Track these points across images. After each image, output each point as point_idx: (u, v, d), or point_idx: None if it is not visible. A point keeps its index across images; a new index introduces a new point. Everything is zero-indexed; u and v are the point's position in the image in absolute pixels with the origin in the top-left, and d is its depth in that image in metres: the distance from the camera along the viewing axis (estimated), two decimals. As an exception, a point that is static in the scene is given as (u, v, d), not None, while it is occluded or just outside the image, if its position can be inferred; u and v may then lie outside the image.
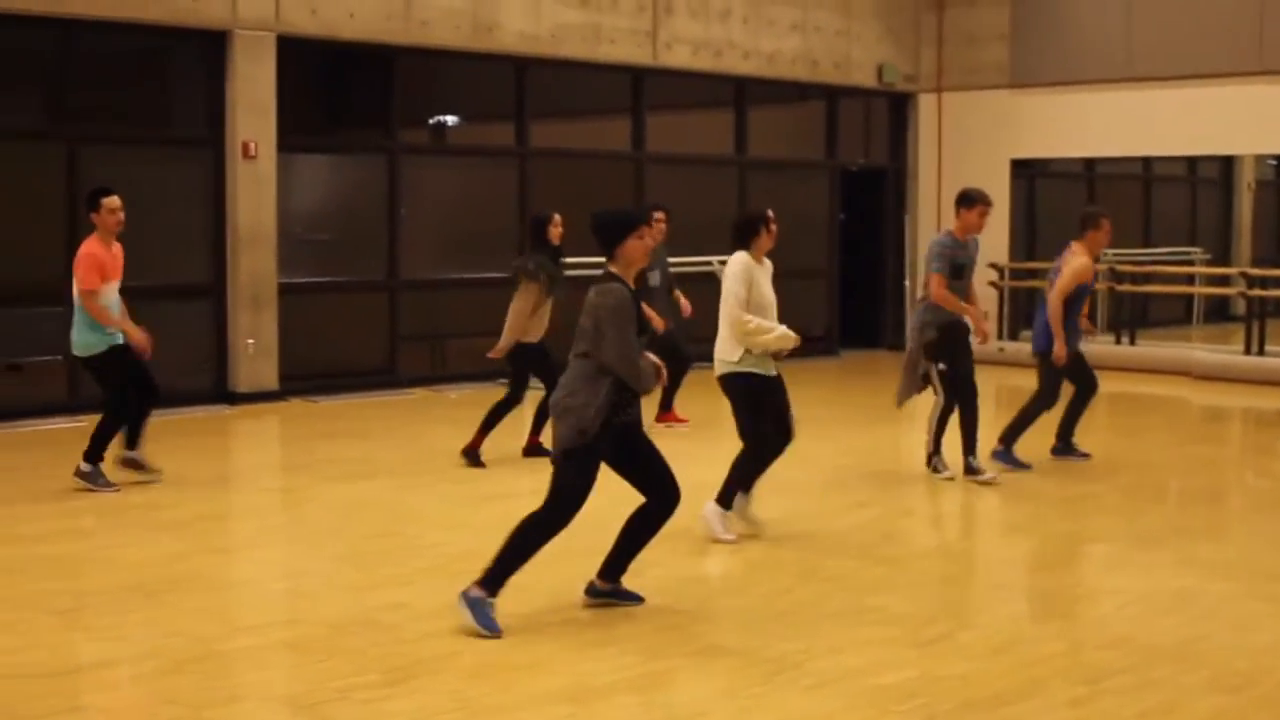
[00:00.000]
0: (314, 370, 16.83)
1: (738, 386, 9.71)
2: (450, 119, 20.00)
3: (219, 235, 16.12)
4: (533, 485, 11.45)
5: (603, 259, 7.84)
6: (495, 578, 7.69)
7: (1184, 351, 19.78)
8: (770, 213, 9.91)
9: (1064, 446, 12.96)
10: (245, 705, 6.60)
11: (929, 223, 22.08)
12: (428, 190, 18.03)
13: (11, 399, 14.50)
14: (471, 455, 12.33)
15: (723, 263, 14.78)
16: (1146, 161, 25.56)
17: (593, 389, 7.63)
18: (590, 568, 8.26)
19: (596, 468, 7.73)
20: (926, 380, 12.02)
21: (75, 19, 14.85)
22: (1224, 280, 24.41)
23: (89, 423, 14.43)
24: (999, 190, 20.75)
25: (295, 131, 16.66)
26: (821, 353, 21.78)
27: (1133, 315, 21.11)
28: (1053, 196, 23.69)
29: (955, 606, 8.41)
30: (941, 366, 11.84)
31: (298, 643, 7.53)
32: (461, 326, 17.88)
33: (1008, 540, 10.42)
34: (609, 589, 8.17)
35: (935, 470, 12.02)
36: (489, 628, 7.53)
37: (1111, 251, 22.64)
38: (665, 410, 14.40)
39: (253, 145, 15.95)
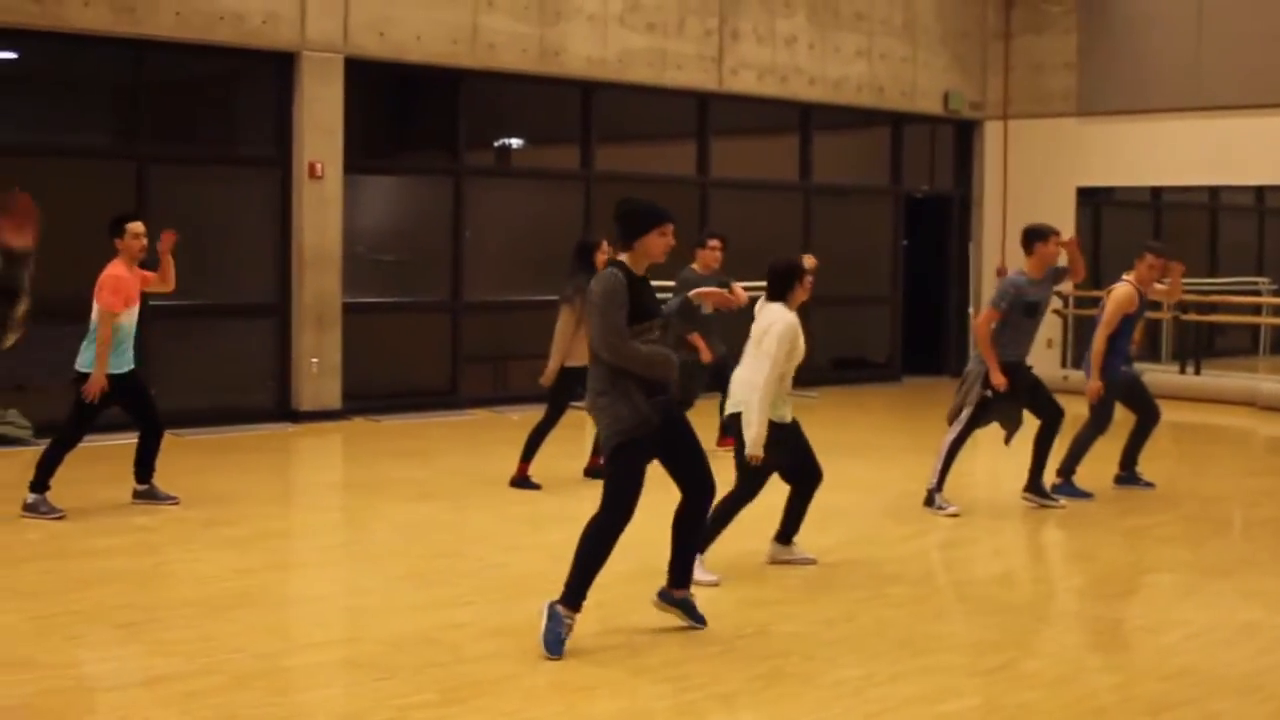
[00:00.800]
0: (377, 390, 16.91)
1: (772, 433, 9.45)
2: (515, 142, 20.08)
3: (284, 255, 16.23)
4: (595, 507, 11.48)
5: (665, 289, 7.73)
6: (574, 591, 7.68)
7: (1250, 382, 19.63)
8: (809, 261, 9.73)
9: (1128, 475, 12.94)
10: (306, 722, 6.63)
11: (993, 250, 22.02)
12: (492, 212, 18.09)
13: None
14: (521, 482, 12.30)
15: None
16: (1214, 190, 25.39)
17: (619, 385, 7.55)
18: (648, 588, 8.25)
19: (643, 463, 7.65)
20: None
21: (146, 40, 15.01)
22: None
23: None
24: (1064, 218, 20.68)
25: (361, 153, 16.77)
26: (884, 379, 21.74)
27: (1198, 345, 20.97)
28: (1119, 225, 23.56)
29: (1017, 635, 8.36)
30: (988, 393, 11.64)
31: (358, 661, 7.56)
32: (523, 348, 17.90)
33: (1070, 569, 10.36)
34: (679, 599, 8.11)
35: (930, 504, 11.79)
36: (552, 648, 7.50)
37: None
38: (725, 435, 14.30)
39: (319, 166, 16.06)
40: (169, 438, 14.14)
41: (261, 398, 16.32)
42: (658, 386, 7.64)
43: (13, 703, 6.81)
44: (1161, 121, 20.55)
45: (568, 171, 18.87)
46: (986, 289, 21.94)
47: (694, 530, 8.07)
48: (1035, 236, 11.86)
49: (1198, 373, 20.24)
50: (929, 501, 11.78)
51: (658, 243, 7.72)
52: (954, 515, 11.63)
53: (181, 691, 6.91)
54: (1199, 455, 15.07)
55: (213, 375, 16.16)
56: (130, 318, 11.29)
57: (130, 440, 11.60)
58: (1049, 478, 12.20)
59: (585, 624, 7.99)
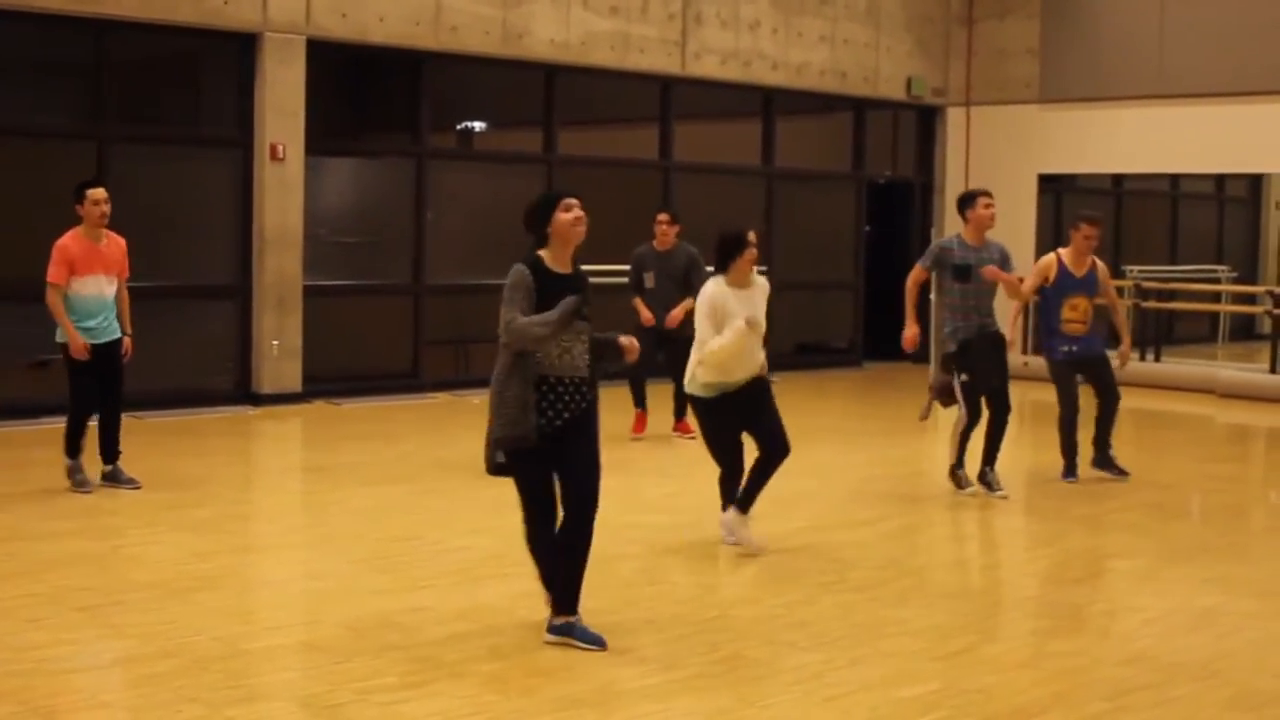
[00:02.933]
0: (338, 373, 16.86)
1: (694, 408, 9.72)
2: (478, 124, 20.05)
3: (245, 236, 16.17)
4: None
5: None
6: (558, 599, 7.57)
7: (1209, 369, 19.75)
8: (751, 234, 9.51)
9: (1101, 459, 12.78)
10: (266, 705, 6.61)
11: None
12: (454, 195, 18.05)
13: (40, 396, 14.51)
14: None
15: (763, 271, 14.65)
16: (1174, 178, 25.51)
17: (512, 383, 7.37)
18: (609, 575, 8.25)
19: (537, 463, 7.47)
20: (951, 393, 11.82)
21: (107, 19, 14.92)
22: (1250, 298, 24.36)
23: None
24: (1026, 205, 20.77)
25: (323, 134, 16.71)
26: (846, 364, 21.78)
27: (1158, 332, 21.05)
28: (1079, 212, 23.61)
29: (978, 620, 8.39)
30: (964, 378, 11.67)
31: (318, 643, 7.54)
32: (486, 332, 17.69)
33: (1031, 555, 10.40)
34: (560, 625, 7.55)
35: (958, 485, 11.97)
36: (592, 642, 7.41)
37: (1137, 268, 22.67)
38: (679, 419, 14.37)
39: (281, 148, 15.99)
40: (129, 420, 14.07)
41: (222, 380, 16.26)
42: (560, 392, 7.42)
43: (-30, 685, 6.79)
44: (1123, 109, 20.61)
45: (530, 155, 18.83)
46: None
47: (579, 550, 7.52)
48: (964, 202, 11.83)
49: (1157, 359, 20.33)
50: (955, 479, 11.86)
51: (564, 219, 7.53)
52: (972, 494, 11.74)
53: (141, 674, 6.89)
54: (1158, 442, 15.15)
55: (173, 357, 16.05)
56: (90, 288, 11.22)
57: (91, 423, 11.53)
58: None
59: (542, 610, 7.96)
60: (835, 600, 8.56)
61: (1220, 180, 26.84)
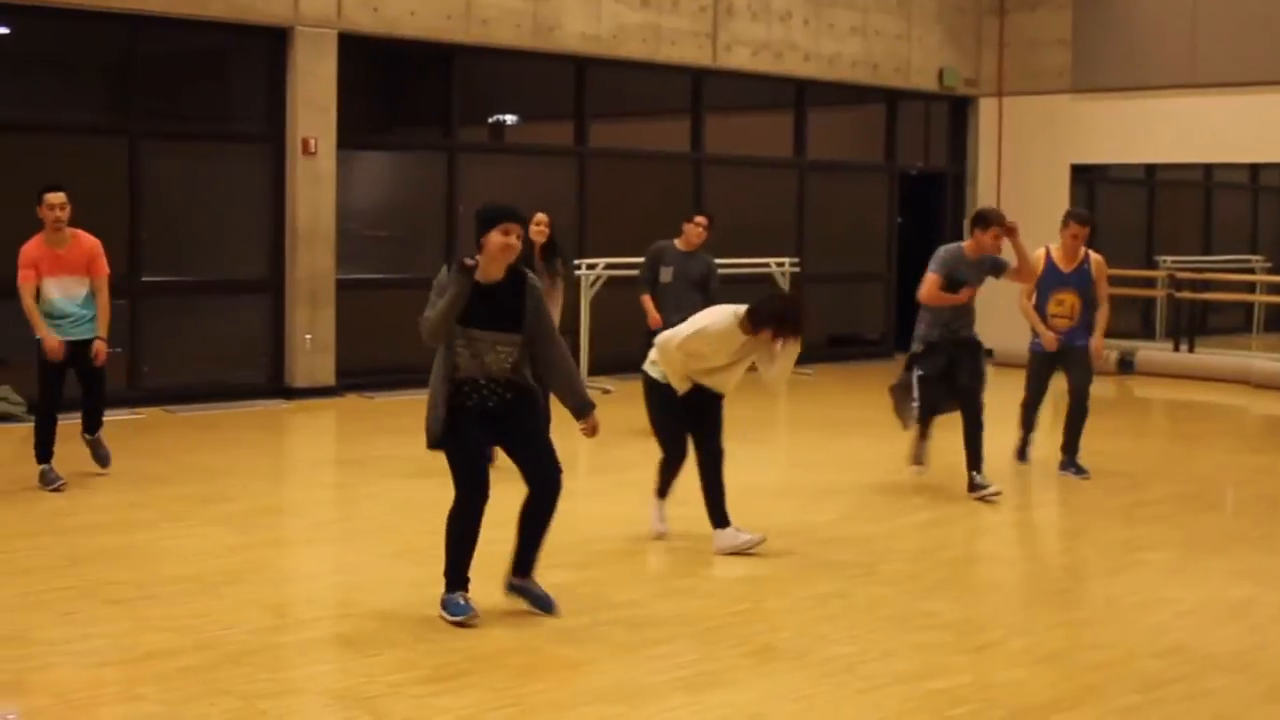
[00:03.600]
0: (370, 366, 16.89)
1: (645, 386, 9.58)
2: (509, 118, 20.06)
3: (278, 231, 16.21)
4: (589, 486, 11.49)
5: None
6: (519, 562, 7.98)
7: (1243, 359, 19.65)
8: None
9: (1066, 461, 12.56)
10: (298, 698, 6.63)
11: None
12: (486, 189, 18.00)
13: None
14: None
15: (780, 263, 14.85)
16: (1208, 168, 25.39)
17: (437, 376, 7.77)
18: (638, 565, 8.25)
19: (469, 443, 7.76)
20: (909, 391, 11.65)
21: (139, 14, 14.97)
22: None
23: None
24: (1058, 195, 20.68)
25: (355, 129, 16.74)
26: (878, 356, 21.74)
27: (1192, 323, 20.97)
28: (1113, 202, 23.56)
29: (1009, 613, 8.38)
30: (919, 373, 11.54)
31: (351, 637, 7.56)
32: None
33: (1062, 547, 10.37)
34: (518, 584, 8.00)
35: (975, 488, 11.62)
36: (543, 605, 7.88)
37: (1171, 258, 22.57)
38: None
39: (313, 142, 16.03)
40: (163, 414, 14.17)
41: (255, 374, 16.32)
42: (474, 382, 7.73)
43: (4, 679, 6.82)
44: (1156, 99, 20.53)
45: (562, 148, 18.84)
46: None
47: (539, 522, 7.92)
48: (976, 222, 11.56)
49: (1191, 350, 20.25)
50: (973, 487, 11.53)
51: (495, 240, 7.69)
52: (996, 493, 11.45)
53: (173, 668, 6.91)
54: (1192, 433, 15.09)
55: (206, 352, 16.15)
56: (54, 290, 11.27)
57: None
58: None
59: (577, 601, 8.01)
60: (866, 593, 8.56)
61: (1254, 170, 26.68)
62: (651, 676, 6.93)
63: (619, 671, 7.01)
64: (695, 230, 13.90)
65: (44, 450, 11.37)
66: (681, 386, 9.30)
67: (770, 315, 9.14)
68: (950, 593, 8.77)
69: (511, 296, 7.74)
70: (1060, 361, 12.49)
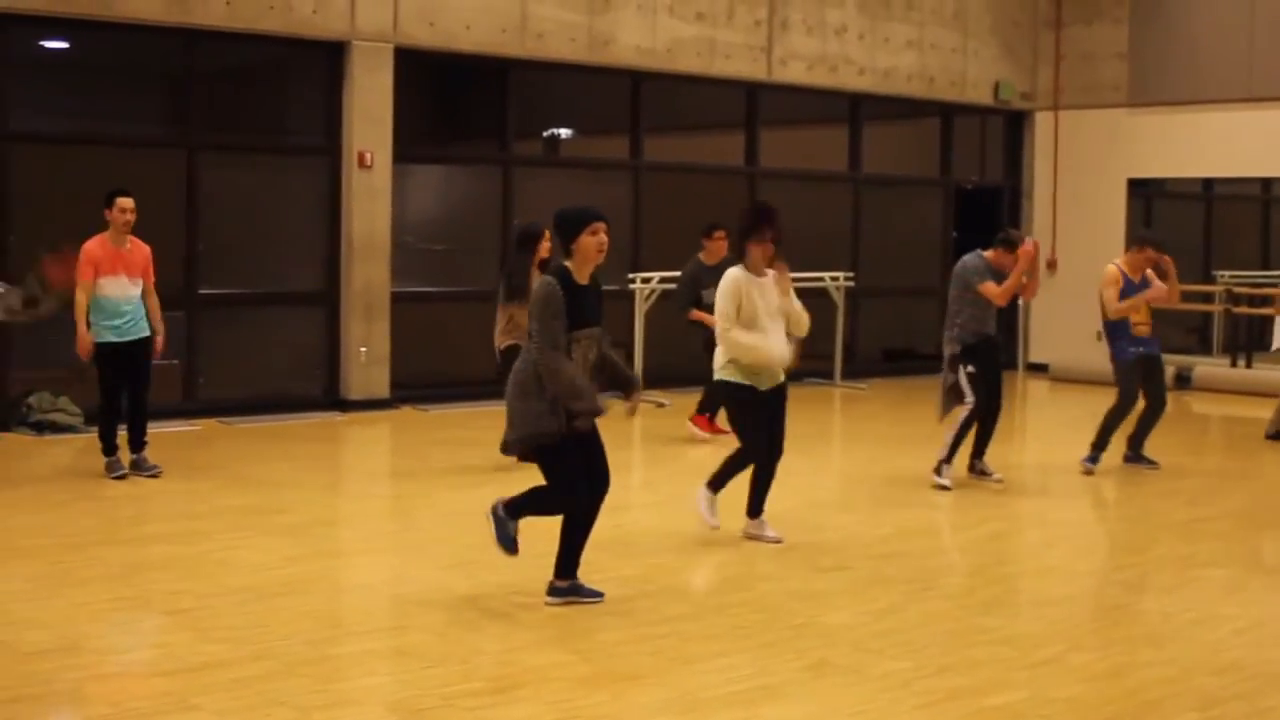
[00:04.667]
0: (425, 379, 16.94)
1: (721, 391, 10.14)
2: (564, 131, 20.09)
3: (334, 244, 16.28)
4: (645, 499, 11.48)
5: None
6: (565, 565, 8.42)
7: (1300, 376, 19.49)
8: (769, 232, 10.01)
9: (1133, 455, 13.36)
10: (353, 709, 6.64)
11: (1044, 243, 21.90)
12: (541, 202, 18.02)
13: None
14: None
15: (835, 278, 14.90)
16: (1266, 182, 25.22)
17: (539, 388, 7.98)
18: (693, 579, 8.23)
19: (574, 455, 8.11)
20: (959, 392, 12.24)
21: (197, 29, 15.06)
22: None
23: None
24: (1115, 209, 20.59)
25: (410, 142, 16.80)
26: (933, 371, 21.61)
27: (1250, 338, 20.83)
28: (1170, 217, 23.43)
29: (1066, 628, 8.33)
30: (970, 369, 12.19)
31: (407, 648, 7.57)
32: (572, 338, 17.88)
33: (1121, 562, 10.30)
34: (567, 587, 8.39)
35: (981, 474, 12.45)
36: (593, 596, 8.36)
37: (1229, 273, 22.42)
38: (700, 414, 14.66)
39: (369, 155, 16.09)
40: (219, 426, 14.25)
41: (310, 386, 16.39)
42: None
43: (63, 688, 6.86)
44: (1213, 113, 20.42)
45: (616, 161, 18.87)
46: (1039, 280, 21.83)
47: (588, 525, 8.38)
48: (999, 242, 12.46)
49: (1249, 365, 20.10)
50: (938, 472, 12.19)
51: (589, 243, 8.14)
52: (946, 489, 12.06)
53: (229, 678, 6.93)
54: (1250, 449, 14.96)
55: (262, 364, 16.24)
56: (114, 289, 11.96)
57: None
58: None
59: (633, 614, 8.01)
60: (923, 608, 8.52)
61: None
62: (707, 690, 6.91)
63: (675, 685, 6.99)
64: (717, 244, 14.27)
65: (111, 442, 12.08)
66: (753, 355, 9.75)
67: (742, 229, 10.02)
68: (1007, 608, 8.73)
69: (595, 294, 8.28)
70: (1144, 369, 13.11)
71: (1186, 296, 21.37)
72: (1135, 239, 13.39)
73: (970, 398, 12.16)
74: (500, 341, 12.76)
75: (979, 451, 12.57)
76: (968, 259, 12.51)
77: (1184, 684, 7.19)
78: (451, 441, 14.10)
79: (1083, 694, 6.98)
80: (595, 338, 8.16)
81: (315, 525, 10.72)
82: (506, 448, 8.51)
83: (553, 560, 8.45)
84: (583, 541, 8.31)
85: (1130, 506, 12.09)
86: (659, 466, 13.51)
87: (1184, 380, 19.84)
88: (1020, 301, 22.10)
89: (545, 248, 12.55)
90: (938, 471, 12.16)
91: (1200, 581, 9.53)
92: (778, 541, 10.04)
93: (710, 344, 13.68)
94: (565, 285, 8.00)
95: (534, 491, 8.32)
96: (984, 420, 12.42)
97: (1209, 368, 20.22)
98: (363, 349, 16.23)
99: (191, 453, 13.37)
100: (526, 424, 8.03)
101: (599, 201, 18.15)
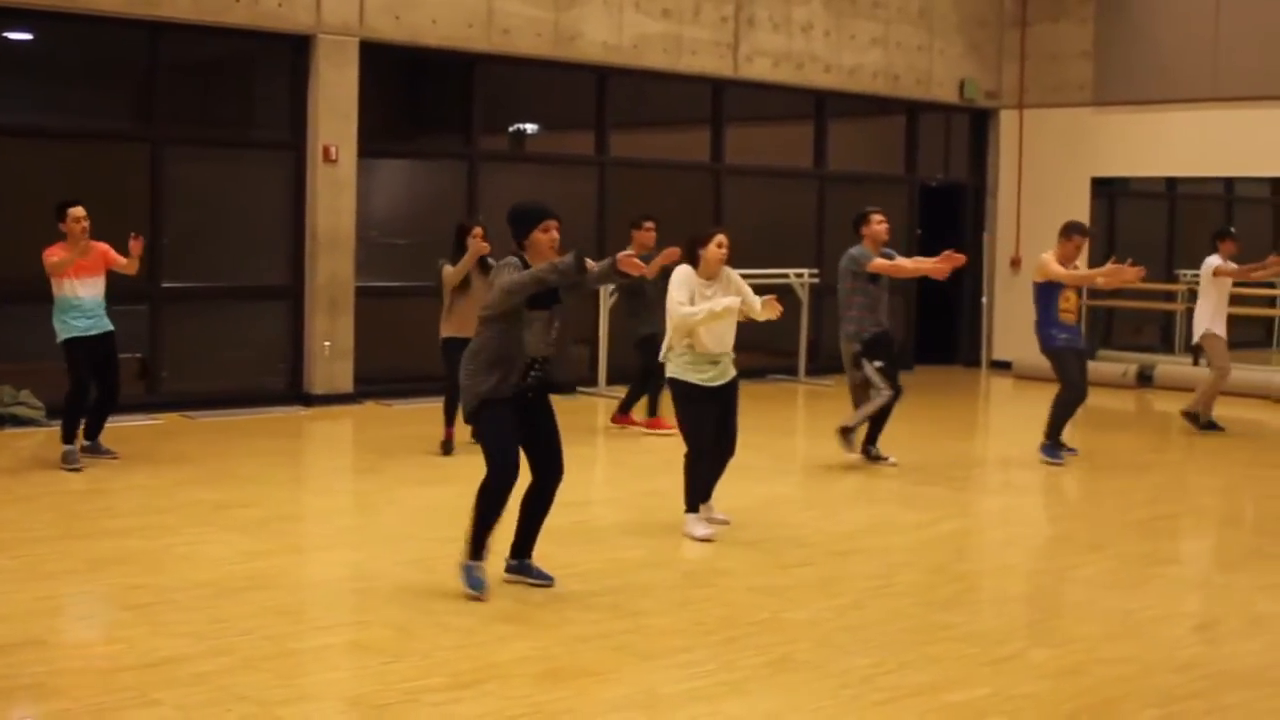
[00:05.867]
0: (389, 374, 16.91)
1: (671, 389, 10.19)
2: (530, 127, 20.06)
3: (298, 238, 16.24)
4: (608, 494, 11.48)
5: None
6: (520, 545, 8.75)
7: (1264, 374, 19.58)
8: (720, 235, 10.16)
9: (1051, 444, 13.61)
10: (315, 704, 6.63)
11: (1008, 239, 21.99)
12: (506, 197, 17.95)
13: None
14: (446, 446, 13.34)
15: (799, 275, 15.02)
16: (1229, 182, 25.32)
17: (493, 357, 8.22)
18: (660, 575, 8.24)
19: (510, 422, 8.30)
20: (869, 388, 12.68)
21: (162, 22, 15.00)
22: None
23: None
24: (1079, 208, 20.63)
25: (376, 136, 16.75)
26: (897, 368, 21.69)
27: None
28: (1133, 216, 23.52)
29: (1027, 625, 8.37)
30: (879, 363, 12.62)
31: (368, 644, 7.57)
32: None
33: (1082, 559, 10.33)
34: (518, 564, 8.72)
35: (846, 444, 12.82)
36: (543, 578, 8.63)
37: (1191, 272, 22.49)
38: (651, 415, 14.94)
39: (334, 149, 16.05)
40: (182, 420, 14.22)
41: (274, 381, 16.34)
42: (520, 366, 8.24)
43: (24, 682, 6.83)
44: (1178, 112, 20.50)
45: (582, 157, 18.85)
46: (1000, 278, 21.94)
47: (541, 511, 8.64)
48: (858, 220, 12.89)
49: (1195, 362, 20.17)
50: (844, 439, 12.78)
51: (542, 240, 8.34)
52: (894, 465, 12.77)
53: (191, 673, 6.92)
54: (1212, 447, 15.03)
55: (226, 358, 16.18)
56: (86, 290, 12.30)
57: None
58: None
59: (595, 610, 8.03)
60: (884, 604, 8.54)
61: (1276, 183, 26.61)
62: (670, 686, 6.93)
63: (637, 680, 7.00)
64: (646, 235, 14.72)
65: (72, 432, 12.32)
66: (708, 322, 9.93)
67: (687, 247, 10.15)
68: (968, 605, 8.77)
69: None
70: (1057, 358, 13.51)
71: (1151, 295, 21.54)
72: (1063, 228, 13.64)
73: (886, 390, 12.62)
74: (443, 330, 13.30)
75: (872, 438, 12.99)
76: (850, 250, 12.77)
77: (1144, 681, 7.22)
78: (415, 437, 14.07)
79: (1043, 691, 7.01)
80: (555, 313, 8.34)
81: (277, 520, 10.70)
82: (466, 417, 8.56)
83: (504, 550, 8.56)
84: (493, 525, 8.40)
85: (1091, 504, 12.15)
86: (622, 461, 13.52)
87: (1145, 378, 19.93)
88: (986, 300, 22.24)
89: (473, 241, 13.24)
90: (844, 436, 12.79)
91: (1161, 579, 9.58)
92: (725, 523, 10.25)
93: (643, 342, 14.23)
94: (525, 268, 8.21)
95: (472, 510, 8.42)
96: (879, 409, 12.85)
97: (1170, 366, 20.31)
98: (327, 343, 16.19)
99: (154, 447, 13.32)
100: (471, 390, 8.28)
101: (565, 197, 18.29)
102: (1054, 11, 21.83)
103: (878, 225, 12.71)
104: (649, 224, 14.80)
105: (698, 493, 10.13)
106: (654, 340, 14.28)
